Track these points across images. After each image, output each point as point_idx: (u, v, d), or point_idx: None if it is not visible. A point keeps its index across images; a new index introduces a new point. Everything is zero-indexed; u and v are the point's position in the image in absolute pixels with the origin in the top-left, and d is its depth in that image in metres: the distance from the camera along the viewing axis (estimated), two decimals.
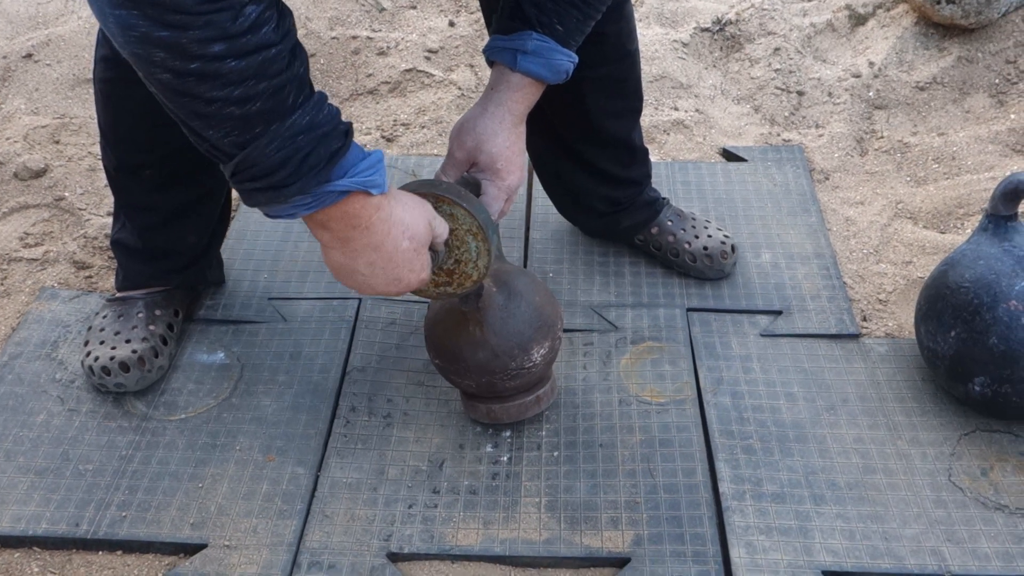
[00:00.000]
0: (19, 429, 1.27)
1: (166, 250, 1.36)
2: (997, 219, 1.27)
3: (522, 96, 1.13)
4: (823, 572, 1.12)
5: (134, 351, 1.29)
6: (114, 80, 1.22)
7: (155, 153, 1.27)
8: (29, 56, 1.96)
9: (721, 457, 1.24)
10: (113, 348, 1.29)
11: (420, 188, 1.05)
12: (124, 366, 1.27)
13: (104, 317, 1.35)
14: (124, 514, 1.16)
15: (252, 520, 1.16)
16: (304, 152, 0.84)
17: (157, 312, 1.35)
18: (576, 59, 1.14)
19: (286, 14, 0.83)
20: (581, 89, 1.31)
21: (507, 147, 1.13)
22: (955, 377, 1.26)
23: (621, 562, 1.13)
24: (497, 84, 1.13)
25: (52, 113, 1.86)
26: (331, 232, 0.93)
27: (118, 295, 1.38)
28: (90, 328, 1.35)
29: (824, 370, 1.37)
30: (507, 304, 1.16)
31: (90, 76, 1.93)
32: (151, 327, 1.33)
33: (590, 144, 1.42)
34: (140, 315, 1.34)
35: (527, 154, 1.20)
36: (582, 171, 1.45)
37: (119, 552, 1.14)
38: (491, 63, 1.15)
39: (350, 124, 0.89)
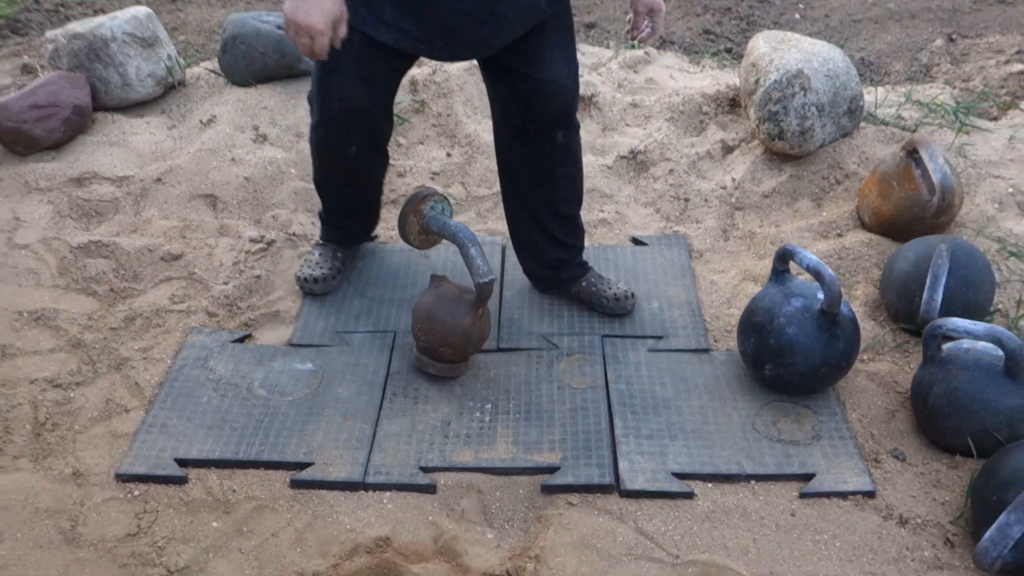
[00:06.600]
0: (193, 406, 2.08)
1: (347, 230, 2.49)
2: (777, 272, 2.14)
3: None
4: (672, 473, 1.93)
5: (323, 272, 2.40)
6: (324, 140, 2.17)
7: (349, 187, 2.32)
8: (159, 180, 2.84)
9: (617, 415, 2.07)
10: (312, 270, 2.42)
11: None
12: (315, 279, 2.40)
13: (313, 253, 2.47)
14: (263, 448, 1.97)
15: (339, 450, 1.97)
16: None
17: (338, 255, 2.48)
18: None
19: None
20: (554, 178, 2.21)
21: None
22: (755, 367, 2.11)
23: (553, 469, 1.94)
24: None
25: (178, 218, 2.74)
26: None
27: (320, 243, 2.50)
28: (304, 259, 2.49)
29: (685, 369, 2.22)
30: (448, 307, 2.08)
31: (200, 192, 2.81)
32: (333, 262, 2.46)
33: (551, 217, 2.29)
34: (329, 255, 2.47)
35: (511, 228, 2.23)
36: (544, 237, 2.31)
37: (262, 468, 1.95)
38: None
39: None
